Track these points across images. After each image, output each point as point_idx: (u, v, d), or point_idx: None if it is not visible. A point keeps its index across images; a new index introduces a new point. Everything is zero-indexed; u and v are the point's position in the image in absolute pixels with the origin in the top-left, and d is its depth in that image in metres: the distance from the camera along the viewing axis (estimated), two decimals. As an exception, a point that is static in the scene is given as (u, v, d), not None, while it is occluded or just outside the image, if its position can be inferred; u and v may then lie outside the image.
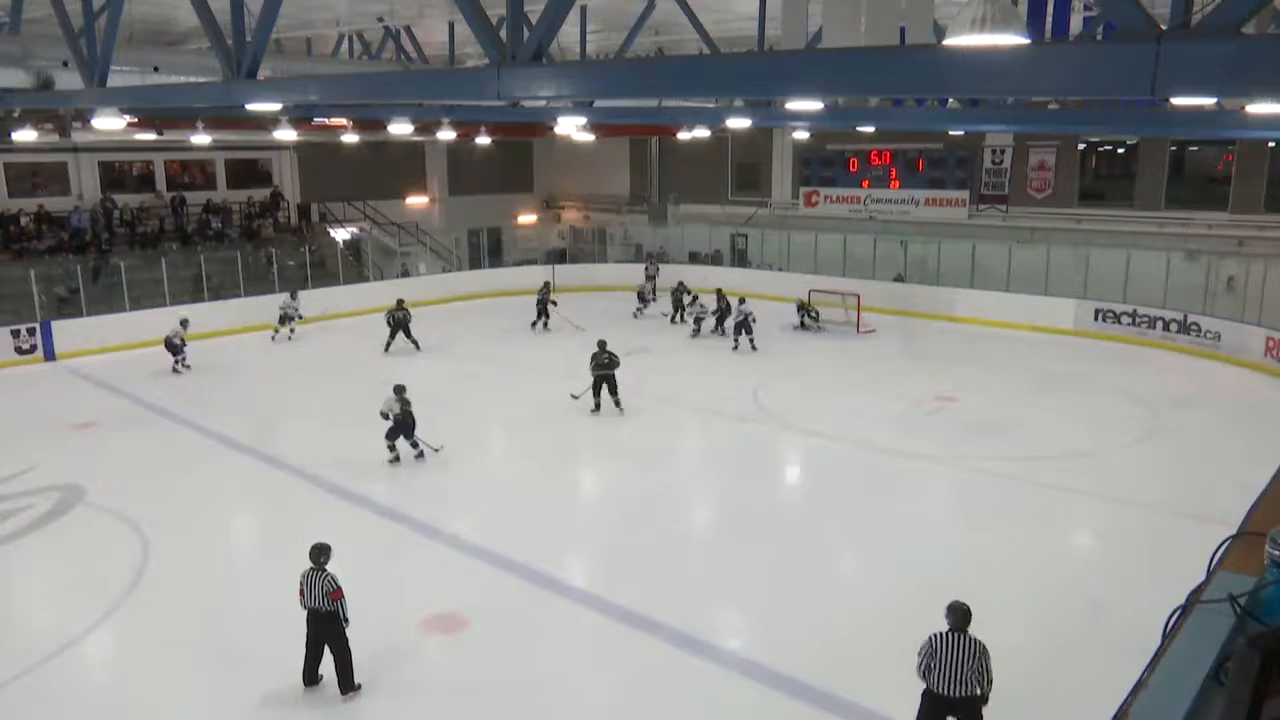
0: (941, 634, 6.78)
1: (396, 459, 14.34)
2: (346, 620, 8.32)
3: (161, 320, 21.99)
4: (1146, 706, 2.13)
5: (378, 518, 12.58)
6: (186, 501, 13.14)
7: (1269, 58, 3.50)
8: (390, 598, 10.05)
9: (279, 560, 10.05)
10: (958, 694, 6.67)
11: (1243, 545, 2.96)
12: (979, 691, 6.72)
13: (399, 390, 14.26)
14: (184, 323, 20.66)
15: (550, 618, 9.91)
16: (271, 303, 25.17)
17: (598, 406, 16.95)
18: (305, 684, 8.43)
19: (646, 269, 29.50)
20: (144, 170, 29.75)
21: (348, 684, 8.37)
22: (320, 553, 8.31)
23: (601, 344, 17.04)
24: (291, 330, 23.72)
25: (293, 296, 24.10)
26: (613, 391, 16.87)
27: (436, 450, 14.50)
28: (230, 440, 15.73)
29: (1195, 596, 2.62)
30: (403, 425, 14.21)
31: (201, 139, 24.20)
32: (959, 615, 6.80)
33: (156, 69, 11.76)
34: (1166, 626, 2.55)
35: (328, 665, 8.41)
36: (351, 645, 8.37)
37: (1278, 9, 9.87)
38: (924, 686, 6.81)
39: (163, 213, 28.72)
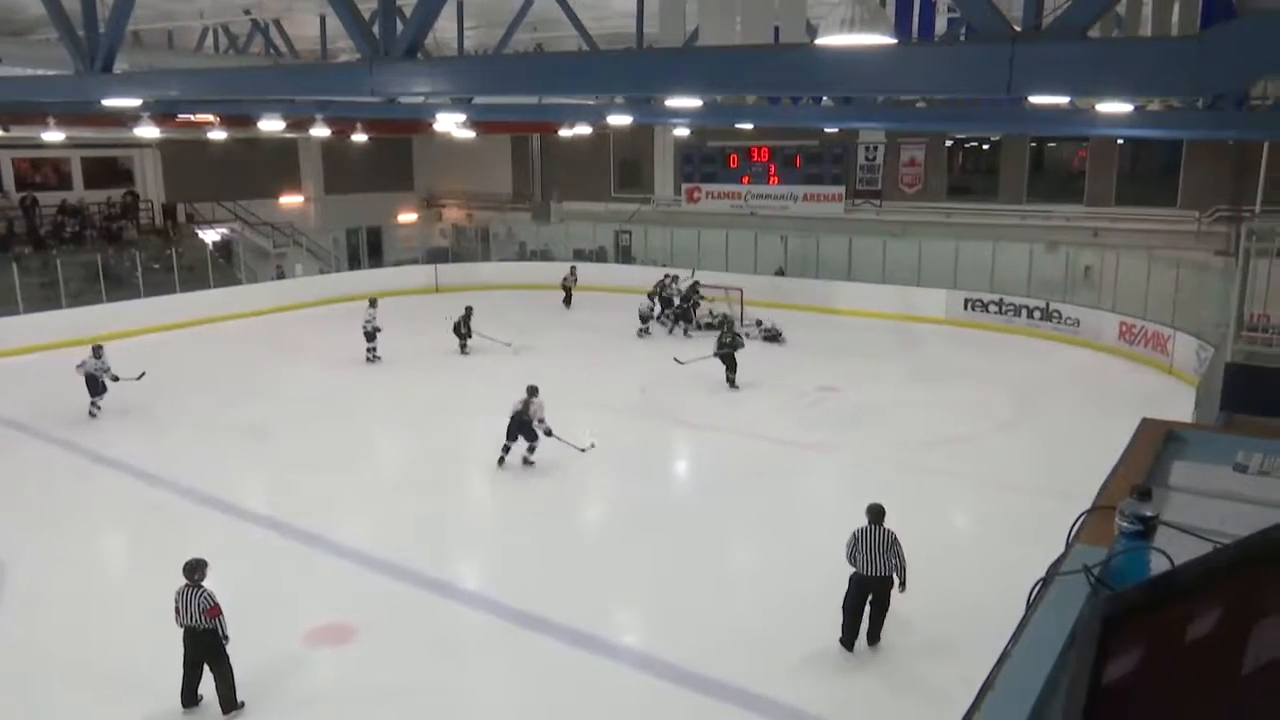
0: (863, 528, 8.68)
1: (500, 460, 13.92)
2: (226, 637, 8.00)
3: (12, 329, 20.73)
4: (1010, 674, 2.24)
5: (257, 528, 12.14)
6: (48, 521, 12.38)
7: (1112, 59, 3.72)
8: (274, 611, 9.73)
9: (153, 578, 9.56)
10: (875, 573, 8.63)
11: (1097, 519, 3.14)
12: (893, 575, 8.68)
13: (531, 391, 13.82)
14: (97, 350, 16.84)
15: (441, 622, 9.77)
16: (142, 308, 23.99)
17: (731, 383, 18.44)
18: (184, 705, 8.09)
19: (565, 279, 28.02)
20: (-10, 169, 27.95)
21: (230, 703, 8.06)
22: (194, 569, 7.97)
23: (729, 326, 19.24)
24: (374, 349, 20.83)
25: (372, 305, 21.02)
26: (731, 369, 18.36)
27: (583, 450, 14.09)
28: (96, 455, 14.90)
29: (1054, 569, 2.77)
30: (518, 425, 13.72)
31: (54, 136, 22.74)
32: (875, 513, 8.71)
33: (0, 60, 11.01)
34: (1029, 598, 2.68)
35: (208, 684, 8.08)
36: (233, 662, 8.07)
37: (1120, 14, 10.49)
38: (851, 572, 8.73)
39: (12, 214, 26.98)
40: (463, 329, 21.74)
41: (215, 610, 7.89)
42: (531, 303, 28.05)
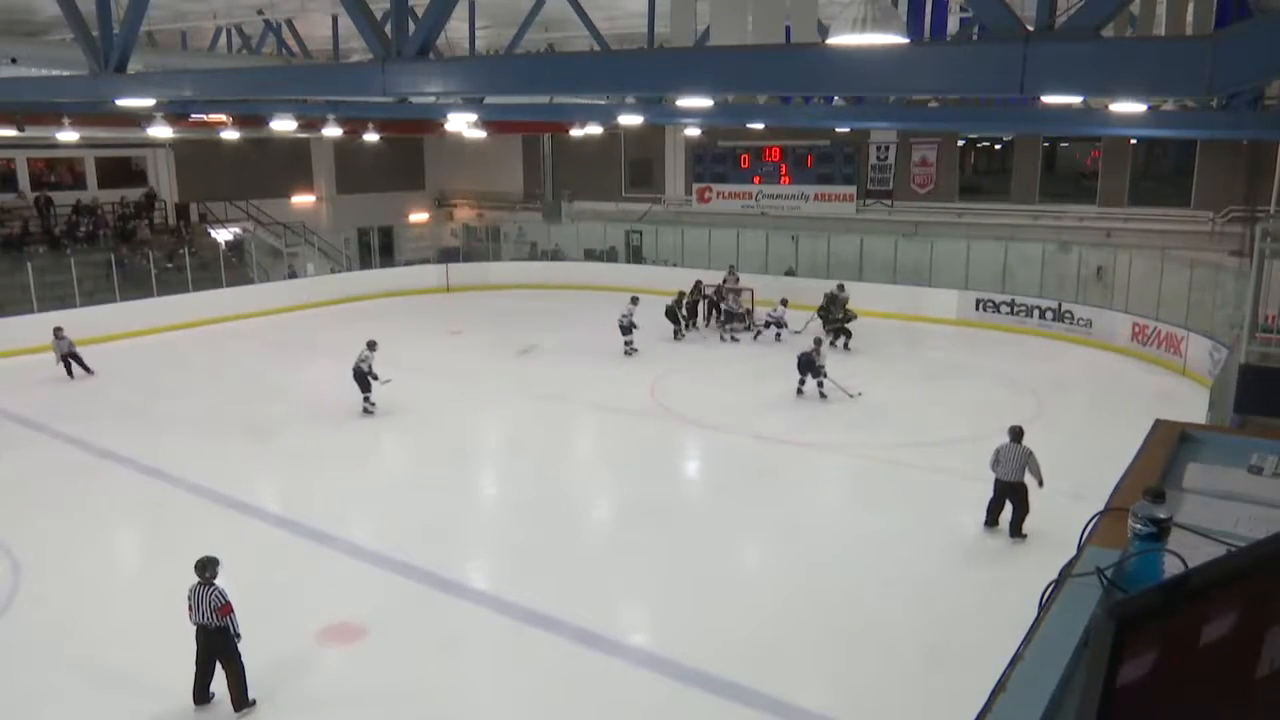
0: (1004, 444, 11.19)
1: (798, 390, 17.46)
2: (238, 635, 8.05)
3: (27, 327, 20.84)
4: (1023, 676, 2.23)
5: (268, 526, 12.20)
6: (61, 518, 12.46)
7: (1126, 59, 3.70)
8: (285, 609, 9.77)
9: (165, 576, 9.65)
10: (1012, 479, 11.09)
11: (1110, 520, 3.13)
12: (1025, 480, 11.05)
13: (817, 342, 17.47)
14: (373, 345, 16.66)
15: (450, 622, 9.79)
16: (155, 306, 24.13)
17: (833, 344, 20.92)
18: (196, 703, 8.13)
19: (725, 282, 25.37)
20: (5, 168, 28.09)
21: (241, 700, 8.10)
22: (206, 567, 8.01)
23: (843, 304, 21.77)
24: (629, 342, 21.28)
25: (633, 301, 21.73)
26: (847, 336, 21.47)
27: (852, 396, 17.13)
28: (108, 452, 14.98)
29: (1066, 571, 2.76)
30: (806, 364, 17.16)
31: (69, 136, 22.87)
32: (1015, 432, 11.23)
33: (15, 60, 11.08)
34: (1042, 600, 2.67)
35: (220, 683, 8.12)
36: (245, 660, 8.10)
37: (1134, 13, 10.44)
38: (994, 478, 11.26)
39: (27, 214, 27.16)
40: (685, 312, 23.41)
41: (227, 608, 7.93)
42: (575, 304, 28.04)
